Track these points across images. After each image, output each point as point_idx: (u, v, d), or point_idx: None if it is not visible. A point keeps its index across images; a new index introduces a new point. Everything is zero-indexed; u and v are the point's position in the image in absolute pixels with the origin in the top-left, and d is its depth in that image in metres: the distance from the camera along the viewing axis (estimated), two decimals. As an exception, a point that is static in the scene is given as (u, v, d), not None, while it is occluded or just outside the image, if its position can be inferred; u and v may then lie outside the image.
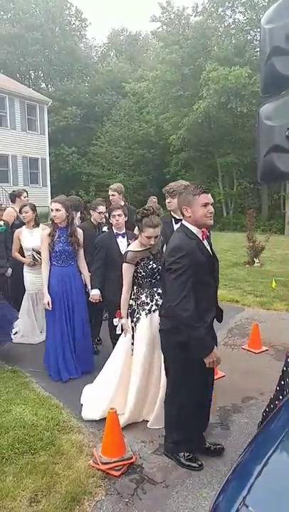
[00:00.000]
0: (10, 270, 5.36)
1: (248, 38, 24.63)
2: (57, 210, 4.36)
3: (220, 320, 3.04)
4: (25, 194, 6.09)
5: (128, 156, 29.98)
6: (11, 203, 6.29)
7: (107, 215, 5.09)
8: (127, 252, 3.61)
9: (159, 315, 3.13)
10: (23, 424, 3.41)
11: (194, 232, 2.77)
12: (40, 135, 24.58)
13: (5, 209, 6.91)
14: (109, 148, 30.39)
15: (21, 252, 5.45)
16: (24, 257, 5.40)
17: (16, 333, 5.14)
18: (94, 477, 2.85)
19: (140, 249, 3.56)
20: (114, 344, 4.51)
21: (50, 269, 4.46)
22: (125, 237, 4.51)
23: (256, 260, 10.77)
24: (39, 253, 5.14)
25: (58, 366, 4.40)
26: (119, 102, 31.50)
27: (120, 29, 43.37)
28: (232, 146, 25.35)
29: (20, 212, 5.47)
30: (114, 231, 4.52)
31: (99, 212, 5.17)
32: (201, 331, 2.65)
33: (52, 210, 4.37)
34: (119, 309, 3.73)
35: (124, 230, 4.54)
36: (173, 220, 4.02)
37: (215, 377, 4.35)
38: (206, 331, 2.72)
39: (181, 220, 4.00)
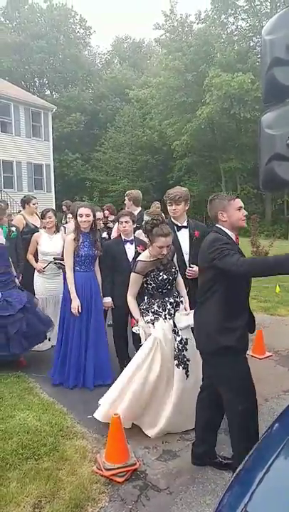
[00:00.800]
0: (19, 278, 5.28)
1: (251, 44, 24.81)
2: (87, 215, 4.34)
3: (252, 330, 2.99)
4: (34, 201, 6.04)
5: (132, 161, 30.11)
6: (22, 208, 6.19)
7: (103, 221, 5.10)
8: (137, 261, 3.56)
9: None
10: (27, 429, 3.42)
11: (229, 234, 2.84)
12: (44, 141, 24.75)
13: (10, 215, 6.87)
14: (113, 154, 30.54)
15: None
16: (37, 262, 5.39)
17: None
18: (97, 483, 2.85)
19: (151, 259, 3.50)
20: (118, 350, 4.53)
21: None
22: (133, 244, 4.53)
23: (260, 266, 10.75)
24: (62, 260, 5.17)
25: (68, 372, 4.33)
26: (123, 108, 31.70)
27: (124, 37, 43.81)
28: (235, 152, 25.41)
29: (43, 217, 5.47)
30: (122, 237, 4.56)
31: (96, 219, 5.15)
32: (266, 258, 2.69)
33: (81, 215, 4.33)
34: (128, 316, 3.75)
35: (132, 237, 4.57)
36: (175, 227, 4.00)
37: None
38: (241, 335, 2.78)
39: (184, 227, 4.02)
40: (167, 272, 3.51)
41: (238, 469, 1.53)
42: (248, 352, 5.13)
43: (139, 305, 3.68)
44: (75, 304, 4.25)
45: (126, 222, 4.48)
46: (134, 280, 3.57)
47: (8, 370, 4.62)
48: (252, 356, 5.12)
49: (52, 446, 3.22)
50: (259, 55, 23.07)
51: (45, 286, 5.36)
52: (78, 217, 4.34)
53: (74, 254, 4.32)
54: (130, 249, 4.50)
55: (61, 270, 5.25)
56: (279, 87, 1.80)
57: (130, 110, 31.01)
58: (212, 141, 26.25)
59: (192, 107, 25.12)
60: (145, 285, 3.57)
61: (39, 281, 5.38)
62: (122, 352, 4.64)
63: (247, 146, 24.86)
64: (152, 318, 3.50)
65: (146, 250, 3.58)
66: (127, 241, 4.54)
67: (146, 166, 30.18)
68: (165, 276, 3.50)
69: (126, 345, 4.68)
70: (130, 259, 4.45)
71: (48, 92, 37.17)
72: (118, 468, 2.91)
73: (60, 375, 4.39)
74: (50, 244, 5.34)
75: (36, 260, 5.43)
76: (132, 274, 3.55)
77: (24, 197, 6.22)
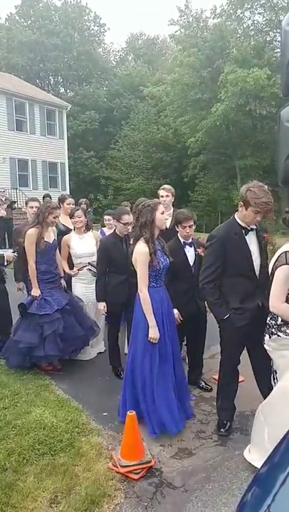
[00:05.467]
0: (65, 278, 5.04)
1: (267, 39, 24.40)
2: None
3: None
4: (68, 200, 5.74)
5: (146, 159, 30.03)
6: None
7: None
8: (285, 252, 2.82)
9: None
10: (43, 425, 3.46)
11: None
12: (59, 139, 24.86)
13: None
14: (128, 151, 30.49)
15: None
16: (73, 265, 5.06)
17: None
18: (113, 480, 2.86)
19: None
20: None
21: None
22: (192, 247, 4.14)
23: (276, 263, 10.62)
24: (95, 267, 4.82)
25: (161, 417, 3.42)
26: (138, 105, 31.61)
27: (138, 33, 43.66)
28: (251, 149, 25.12)
29: (71, 216, 5.11)
30: (182, 240, 4.13)
31: (124, 224, 4.39)
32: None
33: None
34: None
35: (190, 239, 4.17)
36: (243, 231, 3.36)
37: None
38: None
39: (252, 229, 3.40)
40: None
41: (258, 470, 1.51)
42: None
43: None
44: (156, 333, 3.42)
45: (190, 226, 4.04)
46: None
47: (24, 367, 4.64)
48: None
49: (68, 442, 3.25)
50: (276, 50, 22.78)
51: (83, 292, 5.00)
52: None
53: (149, 267, 3.48)
54: (190, 253, 4.11)
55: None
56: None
57: (145, 107, 30.90)
58: (227, 138, 25.99)
59: (207, 103, 24.89)
60: None
61: (77, 287, 5.06)
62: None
63: (263, 143, 24.56)
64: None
65: None
66: (186, 244, 4.12)
67: (161, 163, 30.06)
68: None
69: None
70: (191, 264, 4.09)
71: (62, 90, 37.28)
72: (133, 465, 2.93)
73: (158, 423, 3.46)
74: (81, 244, 4.99)
75: (72, 265, 5.09)
76: (285, 267, 2.78)
77: (61, 196, 6.01)
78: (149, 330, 3.41)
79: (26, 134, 22.66)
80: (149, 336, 3.41)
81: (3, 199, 12.41)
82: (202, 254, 4.03)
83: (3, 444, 3.23)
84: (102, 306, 4.48)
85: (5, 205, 11.91)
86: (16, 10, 36.83)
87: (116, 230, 4.54)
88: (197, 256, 4.10)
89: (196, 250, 4.13)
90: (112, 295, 4.42)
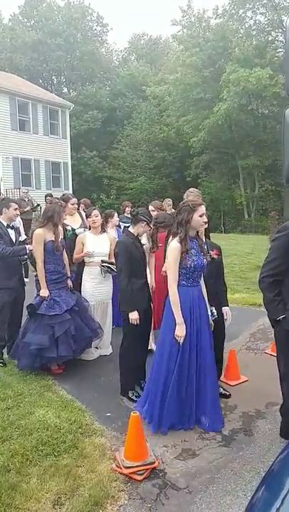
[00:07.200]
0: (71, 279, 5.03)
1: (269, 38, 24.39)
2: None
3: None
4: (72, 200, 5.68)
5: (149, 159, 30.02)
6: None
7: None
8: None
9: None
10: (47, 426, 3.45)
11: None
12: (62, 139, 24.86)
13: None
14: (130, 151, 30.49)
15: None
16: (84, 264, 5.02)
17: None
18: (116, 481, 2.85)
19: None
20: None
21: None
22: (204, 247, 3.82)
23: (279, 263, 10.59)
24: (112, 263, 4.69)
25: (162, 415, 3.45)
26: (140, 105, 31.62)
27: (141, 33, 43.66)
28: (253, 148, 25.11)
29: (88, 216, 5.09)
30: None
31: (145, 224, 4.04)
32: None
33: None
34: None
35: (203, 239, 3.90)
36: None
37: (237, 382, 4.32)
38: None
39: None
40: None
41: (266, 472, 1.49)
42: (267, 350, 5.10)
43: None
44: (182, 331, 3.36)
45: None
46: None
47: (34, 368, 4.58)
48: (271, 355, 5.04)
49: (71, 443, 3.24)
50: (278, 50, 22.72)
51: (93, 292, 4.94)
52: (198, 218, 3.45)
53: (179, 264, 3.40)
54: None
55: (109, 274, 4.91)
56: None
57: (147, 107, 30.90)
58: (229, 137, 25.99)
59: (209, 103, 24.91)
60: None
61: (86, 286, 4.98)
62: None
63: (265, 143, 24.54)
64: None
65: None
66: None
67: (164, 163, 30.05)
68: None
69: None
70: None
71: (65, 90, 37.37)
72: (137, 466, 2.91)
73: (159, 420, 3.48)
74: (95, 244, 4.95)
75: (83, 262, 5.04)
76: None
77: (64, 195, 5.94)
78: (176, 327, 3.37)
79: (29, 134, 22.67)
80: (175, 333, 3.37)
81: (26, 200, 12.27)
82: (215, 256, 3.86)
83: (7, 444, 3.22)
84: (135, 315, 3.87)
85: (28, 207, 11.81)
86: (19, 10, 37.05)
87: (132, 230, 4.09)
88: (210, 258, 3.81)
89: (208, 252, 3.85)
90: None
